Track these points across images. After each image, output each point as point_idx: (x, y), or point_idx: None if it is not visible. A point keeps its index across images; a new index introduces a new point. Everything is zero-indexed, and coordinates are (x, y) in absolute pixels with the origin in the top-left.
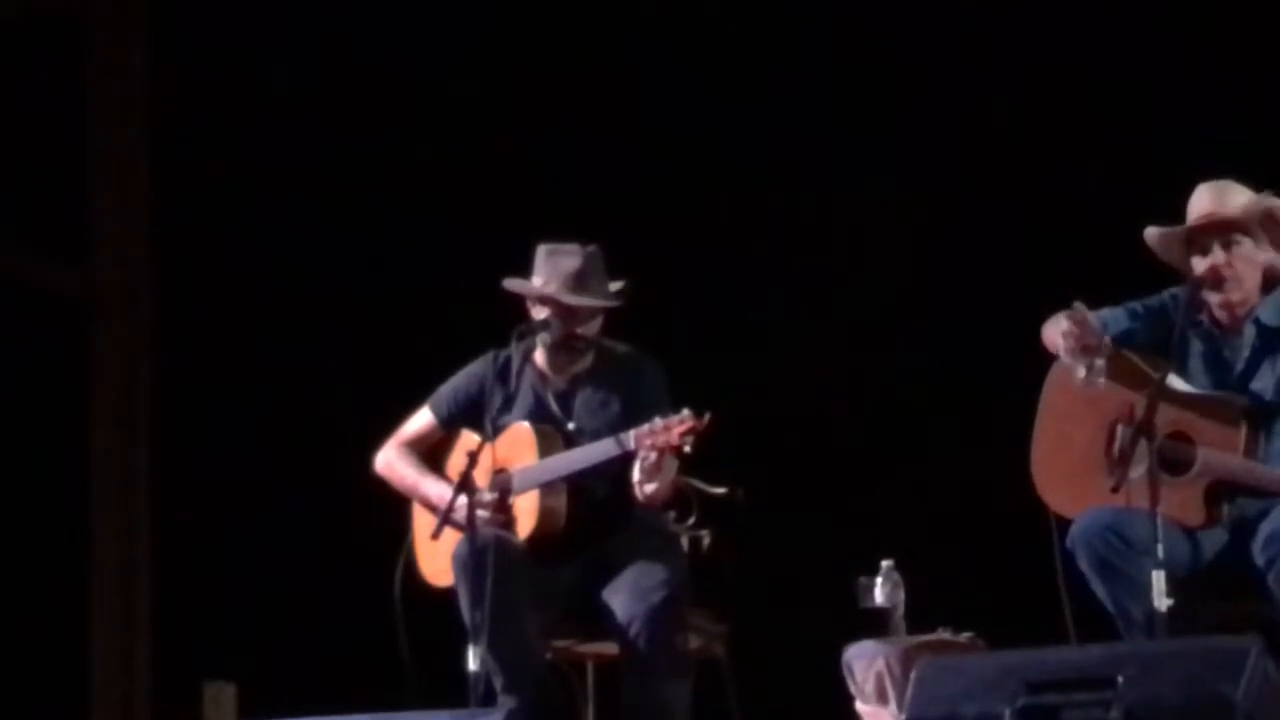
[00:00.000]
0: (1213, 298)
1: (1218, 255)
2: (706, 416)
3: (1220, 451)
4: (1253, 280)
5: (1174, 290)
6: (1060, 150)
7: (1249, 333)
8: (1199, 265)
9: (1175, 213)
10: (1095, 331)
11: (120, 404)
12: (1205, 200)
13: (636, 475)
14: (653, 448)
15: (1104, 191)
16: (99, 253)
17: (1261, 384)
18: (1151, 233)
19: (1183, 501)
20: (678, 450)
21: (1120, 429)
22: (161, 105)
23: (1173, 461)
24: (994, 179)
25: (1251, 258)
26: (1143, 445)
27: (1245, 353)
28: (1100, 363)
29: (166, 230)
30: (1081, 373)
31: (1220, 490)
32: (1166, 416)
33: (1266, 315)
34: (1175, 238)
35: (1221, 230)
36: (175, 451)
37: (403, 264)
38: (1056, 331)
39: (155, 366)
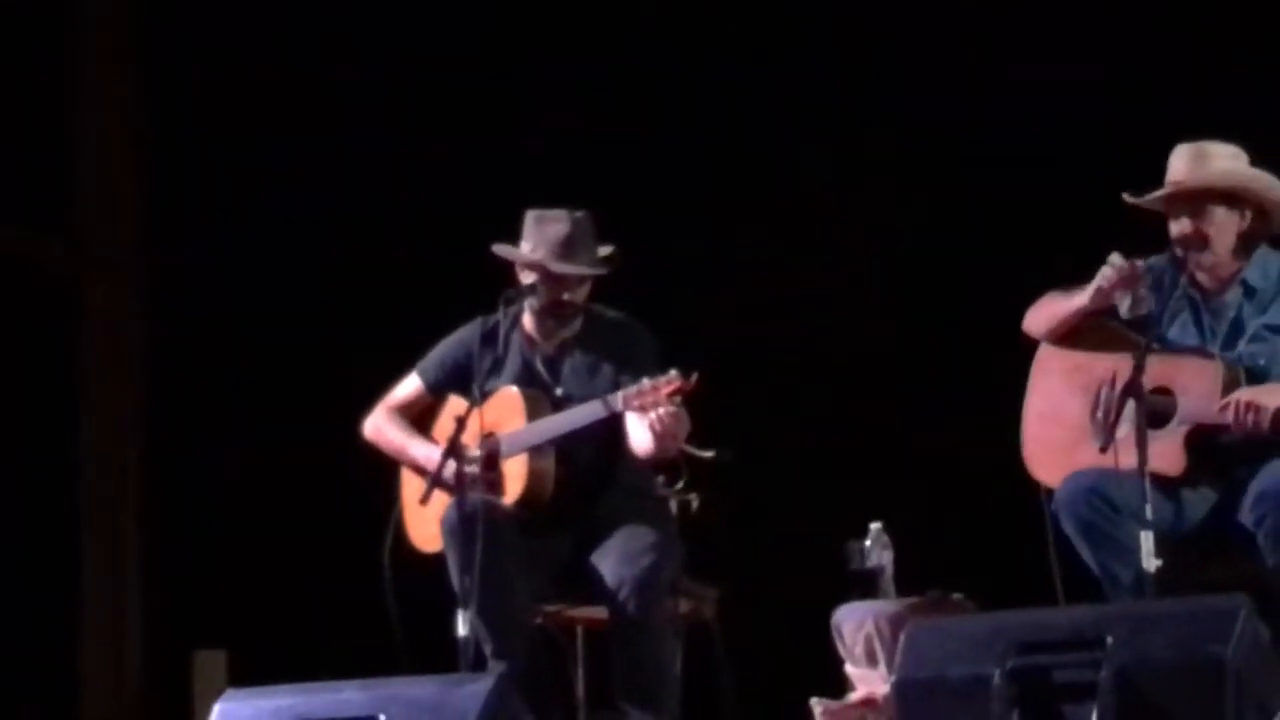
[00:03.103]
0: (1193, 259)
1: (1184, 224)
2: (694, 377)
3: (1199, 398)
4: (1224, 244)
5: (1151, 260)
6: (1053, 122)
7: (1235, 294)
8: (1174, 229)
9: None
10: (1132, 265)
11: (110, 373)
12: (1178, 166)
13: (643, 433)
14: (640, 409)
15: (1093, 162)
16: (88, 224)
17: (1247, 343)
18: (1128, 199)
19: (1164, 451)
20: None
21: (1104, 391)
22: (151, 75)
23: (1155, 415)
24: (986, 148)
25: (1224, 223)
26: (1129, 406)
27: (1231, 314)
28: (1143, 291)
29: (156, 201)
30: (1127, 302)
31: (1201, 438)
32: (1148, 374)
33: (1253, 277)
34: (1152, 204)
35: (1190, 199)
36: (165, 421)
37: (392, 231)
38: (1042, 315)
39: (145, 337)
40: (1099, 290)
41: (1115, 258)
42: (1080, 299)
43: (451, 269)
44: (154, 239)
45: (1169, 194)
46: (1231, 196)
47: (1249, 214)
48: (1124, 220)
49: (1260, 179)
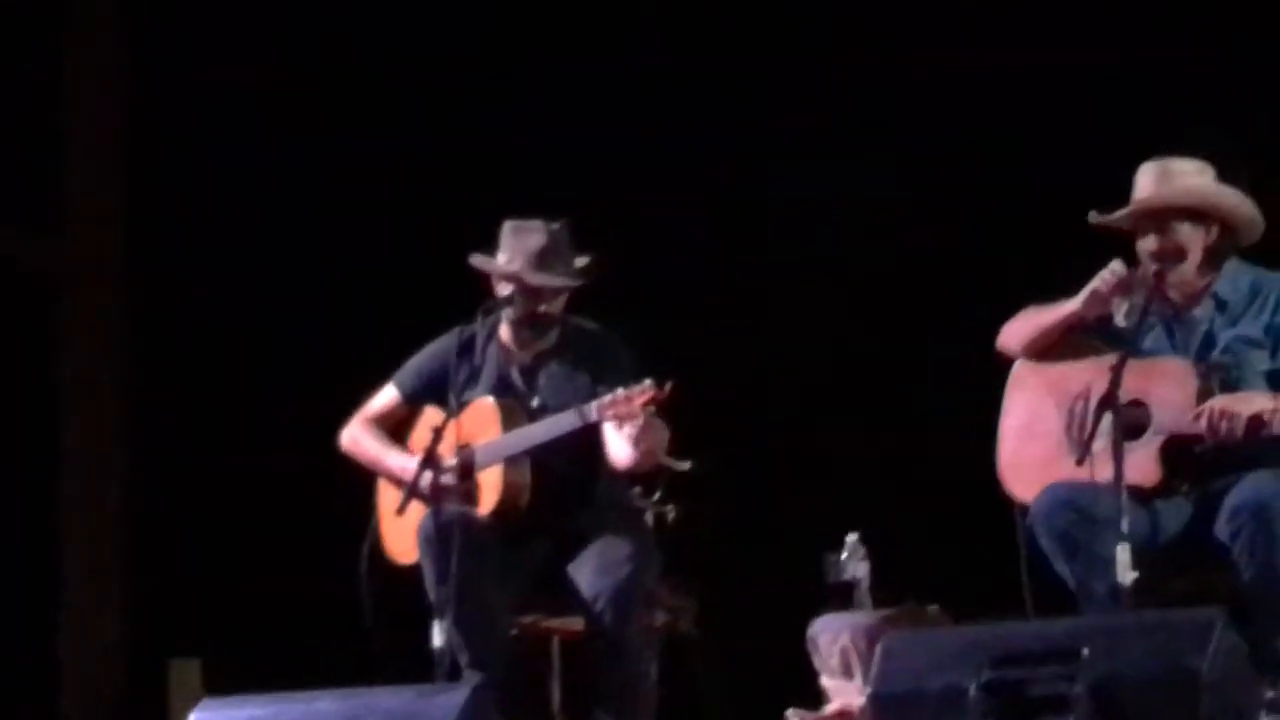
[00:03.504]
0: (1168, 273)
1: (1150, 242)
2: (667, 386)
3: (1173, 409)
4: (1192, 260)
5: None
6: (1029, 132)
7: (1207, 306)
8: (1141, 247)
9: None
10: (1131, 273)
11: (90, 379)
12: (1143, 184)
13: (622, 444)
14: (614, 419)
15: (1071, 174)
16: (72, 228)
17: (1219, 355)
18: (1095, 218)
19: (1139, 462)
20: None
21: (1079, 405)
22: (138, 80)
23: (1130, 427)
24: (957, 157)
25: (1190, 238)
26: (1105, 419)
27: (1203, 328)
28: (1138, 301)
29: (139, 205)
30: (1124, 308)
31: (1176, 448)
32: (1123, 387)
33: (1224, 290)
34: (1118, 222)
35: (1155, 216)
36: (144, 429)
37: (372, 241)
38: (1024, 328)
39: (126, 342)
40: (1095, 294)
41: (1116, 264)
42: (1072, 304)
43: (430, 279)
44: (137, 242)
45: (1134, 212)
46: (1197, 213)
47: (1215, 229)
48: (1097, 233)
49: (1224, 194)
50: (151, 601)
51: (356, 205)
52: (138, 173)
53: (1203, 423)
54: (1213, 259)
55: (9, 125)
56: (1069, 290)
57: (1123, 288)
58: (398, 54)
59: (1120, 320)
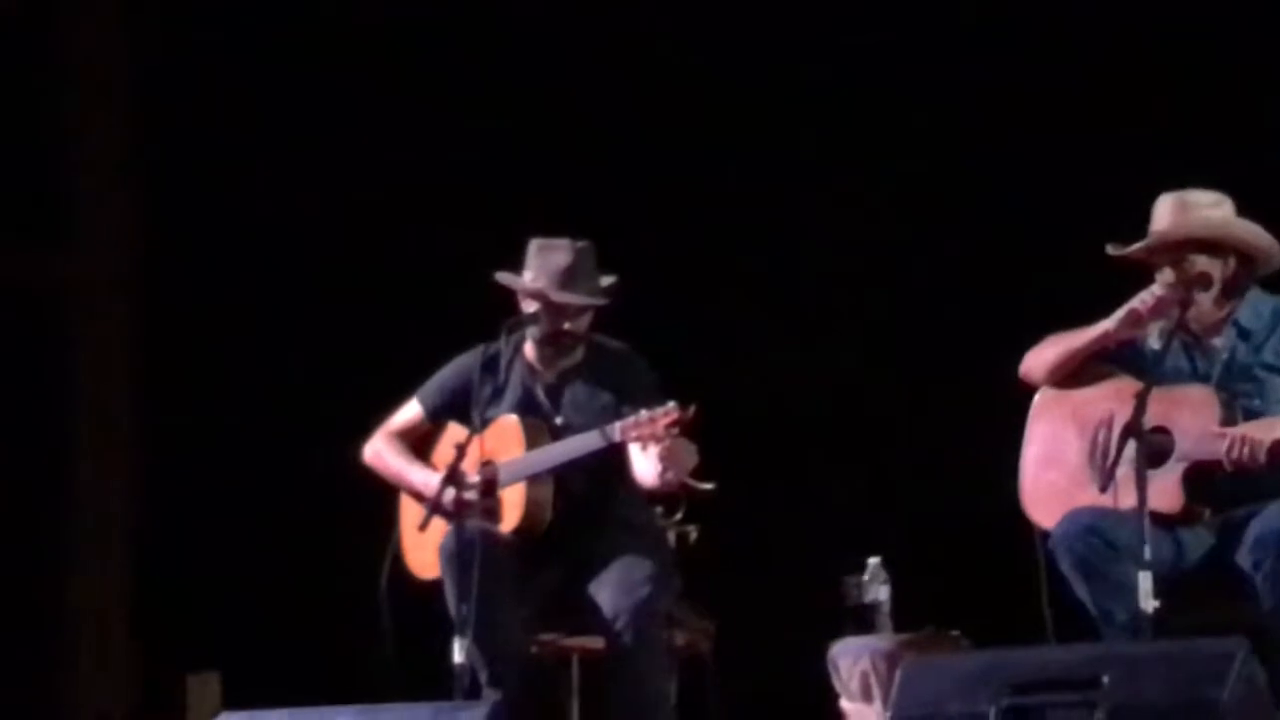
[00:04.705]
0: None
1: (1166, 275)
2: (691, 409)
3: (1196, 435)
4: (1209, 291)
5: None
6: (1042, 146)
7: (1229, 335)
8: (1159, 278)
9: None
10: (1166, 297)
11: (101, 395)
12: (1160, 216)
13: (646, 464)
14: (638, 439)
15: (1083, 205)
16: (82, 243)
17: (1242, 382)
18: (1113, 250)
19: (1162, 489)
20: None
21: (1102, 433)
22: (146, 92)
23: (1153, 454)
24: (973, 175)
25: (1205, 270)
26: (1128, 447)
27: (1224, 356)
28: (1167, 325)
29: (151, 220)
30: (1158, 329)
31: (1199, 475)
32: (1147, 413)
33: (1245, 318)
34: (1135, 255)
35: (1172, 249)
36: (157, 442)
37: (394, 256)
38: (1049, 353)
39: (137, 358)
40: (1132, 313)
41: (1157, 286)
42: (1105, 324)
43: (455, 295)
44: (149, 257)
45: (1152, 244)
46: (1213, 244)
47: (1232, 260)
48: (1107, 265)
49: (1241, 226)
50: (170, 615)
51: (379, 217)
52: (149, 183)
53: (1224, 448)
54: (1230, 290)
55: (16, 141)
56: (1086, 320)
57: (1159, 309)
58: (424, 64)
59: (1153, 343)
